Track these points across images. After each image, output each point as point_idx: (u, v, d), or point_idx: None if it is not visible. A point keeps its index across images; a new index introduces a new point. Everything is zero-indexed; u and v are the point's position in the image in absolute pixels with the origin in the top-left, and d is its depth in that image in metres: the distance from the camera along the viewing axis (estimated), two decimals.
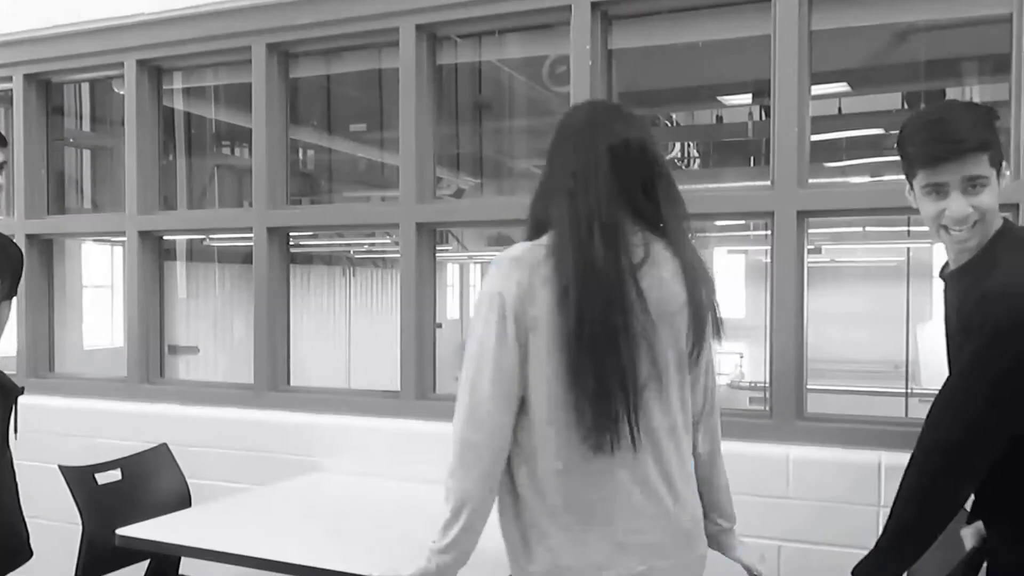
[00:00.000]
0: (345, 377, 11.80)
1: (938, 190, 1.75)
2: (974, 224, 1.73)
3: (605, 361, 1.57)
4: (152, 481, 3.19)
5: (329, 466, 3.18)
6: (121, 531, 2.52)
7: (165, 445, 3.27)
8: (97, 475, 2.93)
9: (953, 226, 1.74)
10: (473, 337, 1.64)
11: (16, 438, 2.97)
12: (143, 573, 2.96)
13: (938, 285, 2.05)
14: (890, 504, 2.26)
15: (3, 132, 3.05)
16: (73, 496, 2.82)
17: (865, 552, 2.22)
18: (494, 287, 1.61)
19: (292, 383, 3.54)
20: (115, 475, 3.00)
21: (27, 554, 2.97)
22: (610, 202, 1.63)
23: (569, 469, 1.61)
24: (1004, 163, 1.78)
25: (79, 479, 2.85)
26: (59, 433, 3.59)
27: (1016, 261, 1.73)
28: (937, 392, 1.88)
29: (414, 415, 3.14)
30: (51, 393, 3.72)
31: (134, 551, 2.77)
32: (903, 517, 1.78)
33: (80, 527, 2.80)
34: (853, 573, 1.82)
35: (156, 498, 3.11)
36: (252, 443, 3.29)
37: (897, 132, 1.85)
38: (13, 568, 2.95)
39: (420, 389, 3.19)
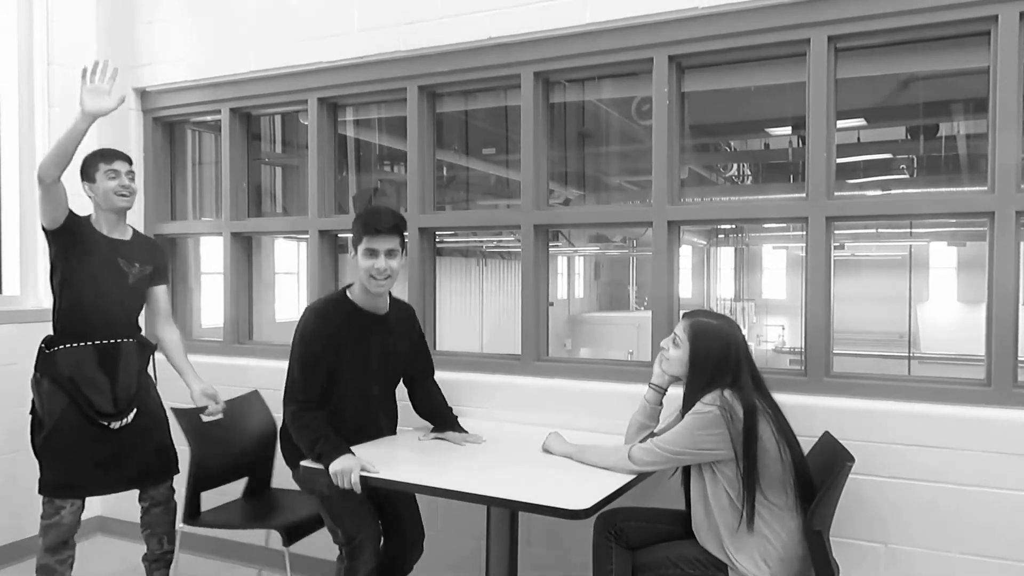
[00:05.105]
0: (479, 343, 12.69)
1: (373, 253, 2.79)
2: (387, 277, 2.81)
3: None
4: (246, 419, 3.65)
5: (465, 412, 3.45)
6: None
7: (256, 391, 3.78)
8: (201, 415, 3.37)
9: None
10: None
11: (156, 380, 3.45)
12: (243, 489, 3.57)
13: (934, 274, 2.57)
14: (897, 442, 2.77)
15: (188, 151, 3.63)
16: (184, 432, 3.32)
17: (886, 478, 2.72)
18: None
19: (438, 348, 3.83)
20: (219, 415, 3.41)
21: (178, 470, 3.47)
22: None
23: None
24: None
25: (186, 417, 3.35)
26: (256, 387, 3.84)
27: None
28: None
29: (531, 374, 3.50)
30: (250, 356, 4.17)
31: (232, 471, 3.47)
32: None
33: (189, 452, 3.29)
34: None
35: (247, 432, 3.61)
36: (405, 395, 3.36)
37: (902, 157, 2.38)
38: (172, 475, 3.45)
39: (536, 353, 3.53)
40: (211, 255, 4.69)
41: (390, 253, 2.85)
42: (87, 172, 3.27)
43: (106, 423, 3.20)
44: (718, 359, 2.55)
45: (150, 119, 4.49)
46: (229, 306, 4.33)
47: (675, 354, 2.65)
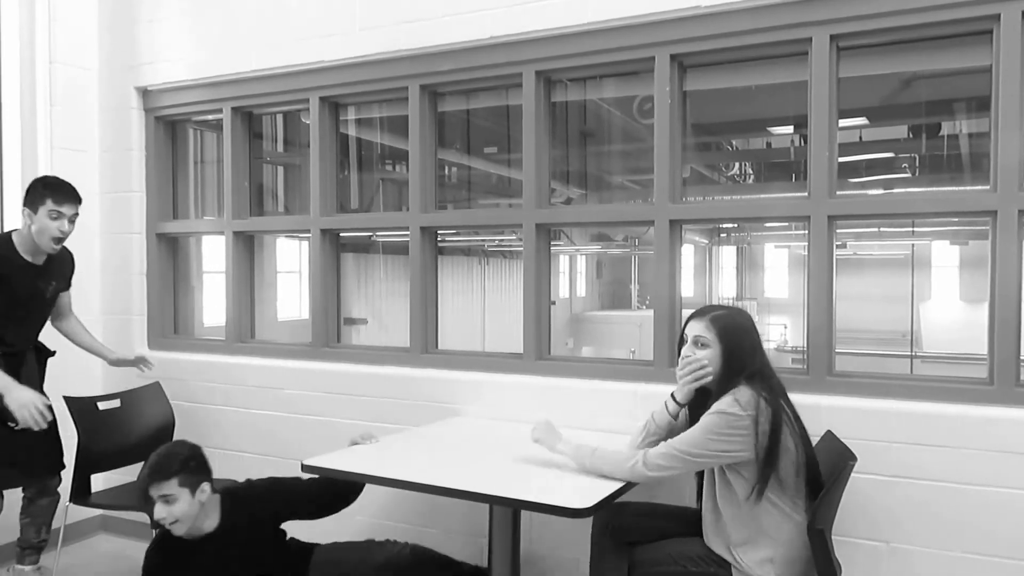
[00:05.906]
0: (480, 342, 12.83)
1: None
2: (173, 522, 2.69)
3: None
4: (145, 409, 3.91)
5: (468, 412, 3.55)
6: (307, 461, 2.71)
7: (158, 383, 4.01)
8: (99, 403, 3.67)
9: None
10: None
11: (44, 380, 3.60)
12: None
13: (936, 273, 2.57)
14: (899, 441, 2.76)
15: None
16: (73, 418, 3.52)
17: (888, 477, 2.73)
18: None
19: (439, 347, 3.86)
20: (115, 403, 3.75)
21: (64, 465, 3.62)
22: None
23: None
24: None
25: (78, 404, 3.58)
26: (258, 386, 4.06)
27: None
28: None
29: (534, 372, 3.51)
30: (252, 355, 4.19)
31: (128, 456, 3.65)
32: None
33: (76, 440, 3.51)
34: None
35: (145, 421, 3.87)
36: (408, 394, 3.68)
37: (904, 156, 2.39)
38: (61, 469, 3.59)
39: (538, 351, 3.54)
40: (213, 254, 4.69)
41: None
42: (32, 200, 3.32)
43: (13, 424, 3.28)
44: (749, 350, 2.52)
45: (151, 118, 4.48)
46: (231, 305, 4.33)
47: (705, 354, 2.56)
